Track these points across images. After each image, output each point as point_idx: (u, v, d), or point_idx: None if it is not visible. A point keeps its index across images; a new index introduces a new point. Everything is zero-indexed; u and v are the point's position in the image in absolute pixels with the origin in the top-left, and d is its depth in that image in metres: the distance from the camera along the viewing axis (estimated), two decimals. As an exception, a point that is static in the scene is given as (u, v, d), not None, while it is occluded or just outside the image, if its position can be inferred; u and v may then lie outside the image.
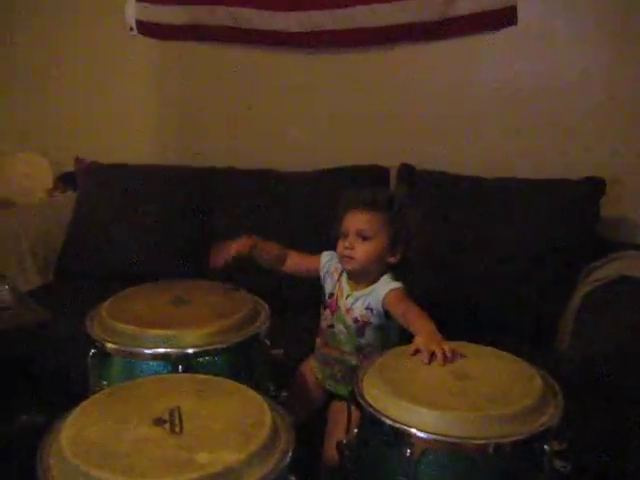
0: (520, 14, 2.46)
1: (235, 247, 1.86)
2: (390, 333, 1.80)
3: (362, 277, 1.80)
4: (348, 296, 1.81)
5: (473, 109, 2.60)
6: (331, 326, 1.84)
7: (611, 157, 2.42)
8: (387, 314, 1.75)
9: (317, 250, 1.98)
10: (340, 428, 1.63)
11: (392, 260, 1.79)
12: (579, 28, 2.42)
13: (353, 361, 1.79)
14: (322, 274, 1.92)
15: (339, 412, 1.73)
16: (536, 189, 2.33)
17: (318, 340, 1.91)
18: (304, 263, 1.95)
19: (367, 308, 1.77)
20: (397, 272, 1.81)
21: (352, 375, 1.69)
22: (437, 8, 2.53)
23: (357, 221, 1.77)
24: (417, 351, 1.50)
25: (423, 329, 1.57)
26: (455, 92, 2.62)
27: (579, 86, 2.43)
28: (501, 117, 2.56)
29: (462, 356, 1.49)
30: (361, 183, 2.51)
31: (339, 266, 1.86)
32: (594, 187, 2.30)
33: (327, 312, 1.86)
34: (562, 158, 2.47)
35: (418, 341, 1.53)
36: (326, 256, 1.92)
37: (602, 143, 2.42)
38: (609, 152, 2.42)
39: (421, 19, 2.56)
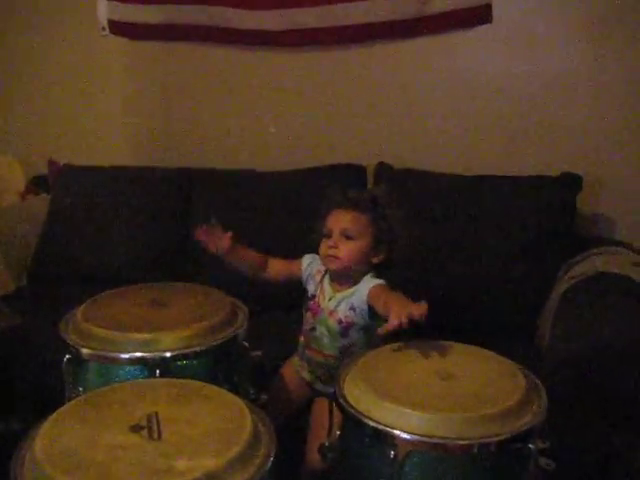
0: (496, 12, 2.45)
1: (213, 245, 1.84)
2: (374, 334, 1.74)
3: (345, 278, 1.79)
4: (331, 298, 1.80)
5: (450, 107, 2.59)
6: (313, 329, 1.82)
7: (588, 153, 2.42)
8: (371, 312, 1.72)
9: (297, 249, 1.97)
10: (323, 430, 1.60)
11: (375, 260, 1.78)
12: (557, 25, 2.42)
13: (336, 364, 1.74)
14: (304, 277, 1.90)
15: (322, 413, 1.68)
16: (513, 186, 2.33)
17: (302, 340, 1.89)
18: (285, 269, 1.93)
19: (351, 309, 1.76)
20: (380, 272, 1.79)
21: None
22: (413, 6, 2.52)
23: (341, 220, 1.76)
24: (399, 325, 1.46)
25: (395, 301, 1.56)
26: (432, 90, 2.61)
27: (556, 83, 2.43)
28: (478, 114, 2.56)
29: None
30: (339, 182, 2.49)
31: (322, 268, 1.85)
32: (571, 183, 2.30)
33: (309, 315, 1.85)
34: (539, 154, 2.47)
35: (393, 311, 1.49)
36: (307, 259, 1.90)
37: (579, 139, 2.43)
38: (585, 148, 2.42)
39: (398, 17, 2.55)
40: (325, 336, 1.80)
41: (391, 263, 1.80)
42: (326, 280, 1.84)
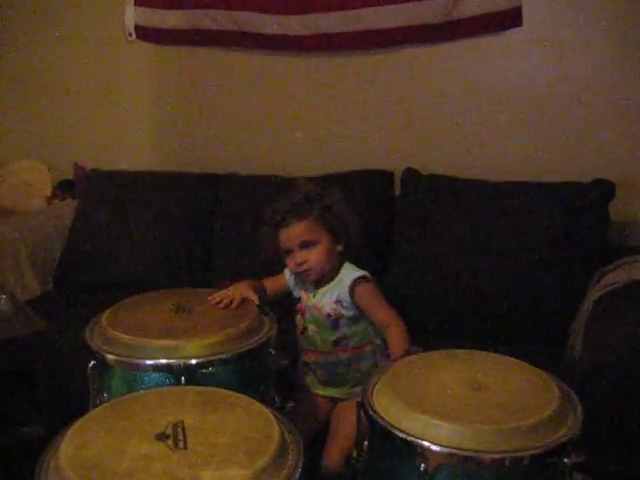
0: (525, 15, 2.42)
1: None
2: (366, 325, 1.82)
3: (324, 277, 1.83)
4: (315, 295, 1.84)
5: (479, 112, 2.56)
6: (304, 330, 1.86)
7: (621, 160, 2.38)
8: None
9: None
10: (343, 429, 1.67)
11: (340, 248, 1.81)
12: (587, 29, 2.38)
13: (331, 358, 1.81)
14: (291, 286, 1.93)
15: (341, 417, 1.74)
16: (544, 192, 2.29)
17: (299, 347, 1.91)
18: (277, 286, 1.95)
19: (336, 301, 1.79)
20: (349, 257, 1.85)
21: (334, 375, 1.82)
22: (441, 10, 2.49)
23: (293, 236, 1.77)
24: None
25: (393, 335, 1.69)
26: (461, 95, 2.58)
27: (587, 88, 2.39)
28: (508, 120, 2.52)
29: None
30: (367, 187, 2.48)
31: None
32: (603, 190, 2.26)
33: (298, 317, 1.88)
34: (571, 161, 2.43)
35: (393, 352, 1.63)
36: (287, 271, 1.92)
37: (611, 146, 2.38)
38: (619, 155, 2.38)
39: (425, 21, 2.53)
40: (317, 333, 1.83)
41: (352, 247, 1.84)
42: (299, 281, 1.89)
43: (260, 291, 1.83)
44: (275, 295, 1.93)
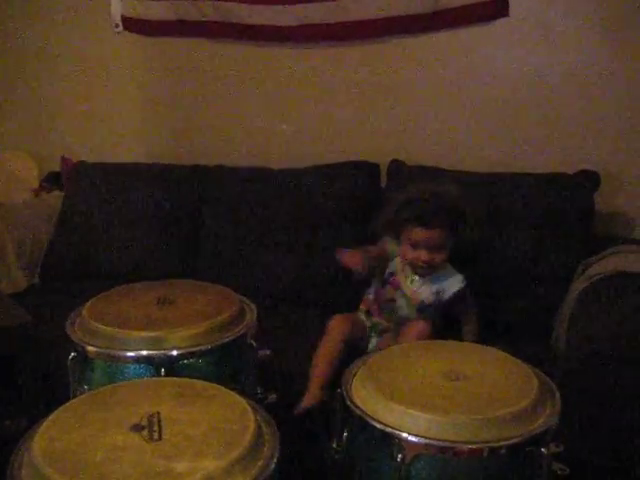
0: (513, 5, 2.41)
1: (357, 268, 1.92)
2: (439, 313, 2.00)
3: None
4: (412, 281, 1.99)
5: (465, 103, 2.55)
6: (391, 300, 2.00)
7: (606, 150, 2.37)
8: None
9: (311, 246, 2.05)
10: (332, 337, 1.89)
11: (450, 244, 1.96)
12: (574, 19, 2.36)
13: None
14: (391, 258, 2.04)
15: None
16: (528, 183, 2.28)
17: (365, 308, 2.07)
18: (381, 255, 2.04)
19: (436, 292, 1.97)
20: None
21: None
22: (428, 0, 2.48)
23: (427, 238, 1.91)
24: None
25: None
26: (447, 86, 2.56)
27: (574, 78, 2.38)
28: (494, 111, 2.50)
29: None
30: (352, 179, 2.48)
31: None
32: (588, 181, 2.25)
33: (387, 288, 2.02)
34: (556, 152, 2.42)
35: None
36: (391, 244, 2.03)
37: (597, 136, 2.37)
38: (604, 145, 2.37)
39: (412, 12, 2.51)
40: (403, 308, 1.99)
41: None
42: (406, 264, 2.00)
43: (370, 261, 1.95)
44: (376, 261, 2.01)
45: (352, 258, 1.92)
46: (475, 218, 1.96)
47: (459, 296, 1.98)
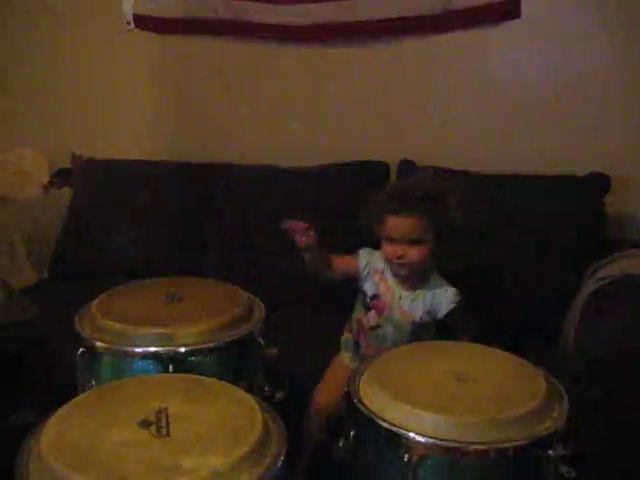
0: (524, 6, 2.40)
1: (302, 239, 1.77)
2: (433, 328, 1.80)
3: (411, 277, 1.79)
4: (401, 297, 1.80)
5: (476, 104, 2.54)
6: (376, 327, 1.81)
7: (617, 153, 2.36)
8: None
9: None
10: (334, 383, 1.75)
11: (439, 252, 1.77)
12: (586, 20, 2.36)
13: None
14: (362, 275, 1.86)
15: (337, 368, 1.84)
16: (539, 185, 2.29)
17: (350, 337, 1.89)
18: (344, 265, 1.89)
19: (428, 312, 1.77)
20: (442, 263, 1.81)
21: None
22: (439, 1, 2.48)
23: (403, 228, 1.73)
24: None
25: None
26: (458, 87, 2.56)
27: (586, 80, 2.37)
28: (504, 112, 2.50)
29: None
30: (362, 179, 2.47)
31: (380, 266, 1.84)
32: (599, 183, 2.25)
33: (371, 313, 1.82)
34: (567, 154, 2.41)
35: None
36: (364, 257, 1.87)
37: (608, 139, 2.37)
38: (615, 148, 2.36)
39: (423, 12, 2.51)
40: (391, 334, 1.80)
41: (454, 254, 1.78)
42: (389, 278, 1.82)
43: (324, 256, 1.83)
44: (337, 273, 1.88)
45: (296, 226, 1.75)
46: (457, 205, 1.76)
47: (454, 311, 1.78)
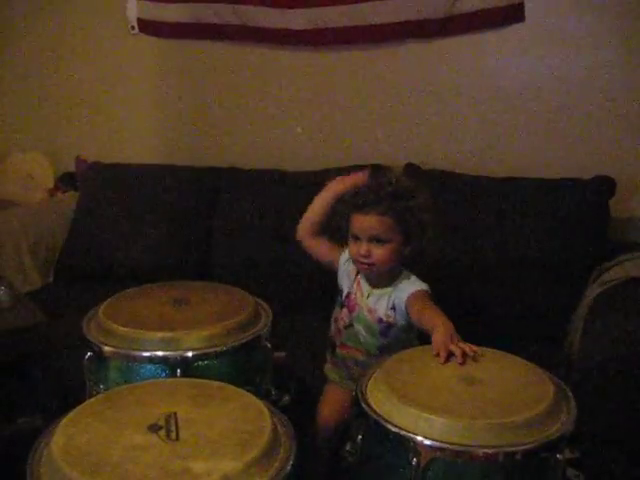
0: (528, 11, 2.41)
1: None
2: (411, 334, 1.76)
3: (380, 276, 1.76)
4: (369, 295, 1.77)
5: (480, 108, 2.55)
6: (349, 326, 1.80)
7: (621, 156, 2.36)
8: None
9: None
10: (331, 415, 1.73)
11: (407, 252, 1.73)
12: (590, 25, 2.36)
13: (372, 360, 1.69)
14: (340, 273, 1.86)
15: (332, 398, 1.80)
16: (544, 188, 2.29)
17: (332, 338, 1.86)
18: (329, 253, 1.88)
19: (391, 308, 1.73)
20: (412, 264, 1.76)
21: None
22: (443, 5, 2.48)
23: (367, 227, 1.69)
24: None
25: (439, 327, 1.50)
26: (462, 90, 2.57)
27: (589, 84, 2.38)
28: (508, 116, 2.51)
29: (476, 359, 1.43)
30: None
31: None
32: (604, 187, 2.25)
33: (344, 311, 1.82)
34: (571, 157, 2.41)
35: (436, 338, 1.47)
36: (344, 256, 1.85)
37: (612, 142, 2.37)
38: (619, 151, 2.37)
39: (427, 16, 2.52)
40: (362, 334, 1.77)
41: (423, 255, 1.75)
42: (361, 276, 1.80)
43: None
44: (320, 253, 1.88)
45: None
46: (426, 204, 1.71)
47: (413, 296, 1.70)
